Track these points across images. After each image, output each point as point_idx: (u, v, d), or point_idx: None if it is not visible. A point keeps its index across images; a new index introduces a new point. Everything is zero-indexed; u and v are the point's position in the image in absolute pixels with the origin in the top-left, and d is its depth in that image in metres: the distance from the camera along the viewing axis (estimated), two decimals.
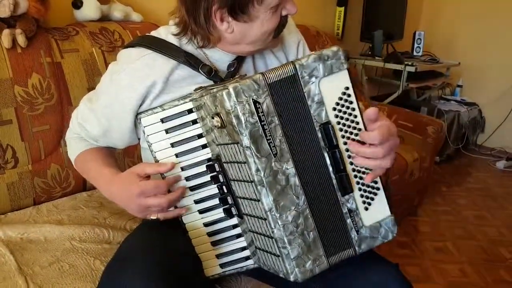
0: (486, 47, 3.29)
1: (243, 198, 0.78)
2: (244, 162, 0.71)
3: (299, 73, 0.71)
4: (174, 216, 0.83)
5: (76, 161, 0.95)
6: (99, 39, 1.40)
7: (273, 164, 0.70)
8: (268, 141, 0.69)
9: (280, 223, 0.71)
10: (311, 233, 0.74)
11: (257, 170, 0.70)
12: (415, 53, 3.01)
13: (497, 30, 3.21)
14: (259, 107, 0.68)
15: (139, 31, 1.49)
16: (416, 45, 3.00)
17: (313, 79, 0.71)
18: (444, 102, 3.26)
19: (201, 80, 0.84)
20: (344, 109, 0.74)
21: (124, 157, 1.39)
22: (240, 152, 0.71)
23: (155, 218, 0.81)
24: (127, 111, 0.84)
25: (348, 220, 0.77)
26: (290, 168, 0.71)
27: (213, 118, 0.73)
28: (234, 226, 0.84)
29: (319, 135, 0.73)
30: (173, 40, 0.85)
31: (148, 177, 0.80)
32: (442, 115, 2.97)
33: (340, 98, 0.73)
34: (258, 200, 0.72)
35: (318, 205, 0.75)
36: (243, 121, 0.67)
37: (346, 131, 0.75)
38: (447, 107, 3.12)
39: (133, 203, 0.78)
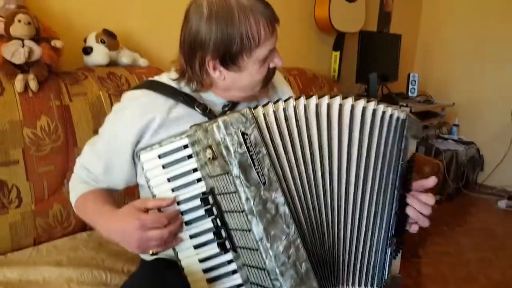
0: (480, 87, 3.37)
1: (236, 229, 0.79)
2: (235, 192, 0.74)
3: (407, 121, 0.86)
4: (172, 246, 0.84)
5: (77, 203, 0.97)
6: (106, 83, 1.46)
7: (262, 193, 0.73)
8: (257, 170, 0.73)
9: (271, 253, 0.73)
10: (303, 264, 0.75)
11: (247, 199, 0.73)
12: (410, 94, 3.09)
13: (490, 70, 3.31)
14: (247, 138, 0.73)
15: (145, 76, 1.56)
16: (410, 86, 3.09)
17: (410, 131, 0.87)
18: (442, 141, 3.30)
19: (198, 118, 0.89)
20: (409, 166, 0.87)
21: (125, 196, 1.41)
22: (230, 182, 0.74)
23: (155, 252, 0.81)
24: (127, 145, 0.89)
25: (387, 262, 0.85)
26: (279, 197, 0.74)
27: (205, 151, 0.77)
28: (229, 262, 0.84)
29: (398, 173, 0.85)
30: (172, 83, 0.93)
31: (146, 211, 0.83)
32: (440, 154, 3.00)
33: (411, 158, 0.88)
34: (249, 230, 0.74)
35: (320, 232, 0.79)
36: (232, 152, 0.72)
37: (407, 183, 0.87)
38: (445, 146, 3.16)
39: (133, 237, 0.79)
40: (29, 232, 1.28)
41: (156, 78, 0.97)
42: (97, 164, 0.94)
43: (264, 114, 0.76)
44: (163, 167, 0.84)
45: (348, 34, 2.76)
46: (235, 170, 0.72)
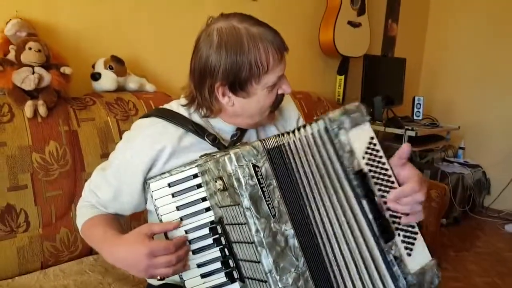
0: (485, 110, 3.38)
1: (244, 260, 0.79)
2: (245, 223, 0.74)
3: (328, 127, 0.79)
4: (179, 272, 0.84)
5: (83, 227, 0.97)
6: (114, 109, 1.49)
7: (272, 225, 0.73)
8: (267, 203, 0.73)
9: (280, 285, 0.72)
10: None
11: (257, 230, 0.73)
12: (415, 117, 3.10)
13: (495, 93, 3.33)
14: (258, 171, 0.74)
15: (152, 101, 1.59)
16: (416, 109, 3.10)
17: (343, 130, 0.79)
18: (448, 164, 3.29)
19: (207, 147, 0.90)
20: (372, 156, 0.81)
21: (131, 221, 1.42)
22: (241, 214, 0.75)
23: (162, 278, 0.82)
24: (138, 174, 0.90)
25: (395, 269, 0.79)
26: (288, 229, 0.74)
27: (216, 181, 0.78)
28: None
29: (355, 182, 0.79)
30: (183, 111, 0.95)
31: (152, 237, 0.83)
32: (446, 177, 2.99)
33: (367, 147, 0.81)
34: (259, 262, 0.74)
35: (317, 268, 0.76)
36: (243, 184, 0.72)
37: (377, 178, 0.81)
38: (451, 169, 3.15)
39: (140, 263, 0.79)
40: (36, 256, 1.29)
41: (166, 106, 0.99)
42: (106, 190, 0.95)
43: (275, 148, 0.78)
44: (173, 195, 0.85)
45: (352, 58, 2.80)
46: (246, 202, 0.73)
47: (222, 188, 0.76)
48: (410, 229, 0.82)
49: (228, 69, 0.84)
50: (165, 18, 1.91)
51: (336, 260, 0.79)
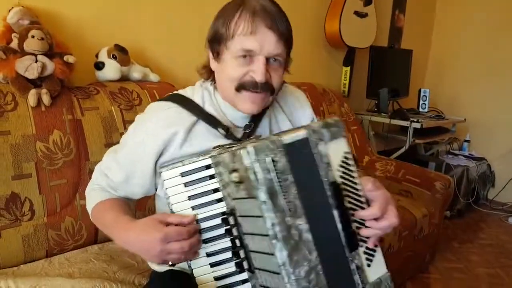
0: (491, 103, 3.36)
1: (256, 252, 0.80)
2: (260, 216, 0.74)
3: (310, 137, 0.79)
4: (190, 259, 0.85)
5: (93, 211, 0.97)
6: (118, 98, 1.49)
7: (287, 219, 0.74)
8: (284, 197, 0.74)
9: (293, 278, 0.73)
10: None
11: (272, 224, 0.73)
12: (420, 110, 3.08)
13: (501, 86, 3.30)
14: (275, 165, 0.74)
15: (156, 91, 1.58)
16: (421, 102, 3.08)
17: (322, 142, 0.80)
18: (452, 156, 3.28)
19: (219, 137, 0.91)
20: (345, 170, 0.82)
21: (136, 211, 1.43)
22: (255, 207, 0.74)
23: (173, 263, 0.83)
24: (150, 157, 0.90)
25: (356, 277, 0.80)
26: (302, 223, 0.75)
27: (231, 173, 0.78)
28: (244, 281, 0.84)
29: (328, 193, 0.79)
30: (197, 99, 0.96)
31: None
32: (450, 170, 2.98)
33: (342, 161, 0.82)
34: (272, 254, 0.74)
35: (328, 261, 0.77)
36: (260, 178, 0.72)
37: (348, 190, 0.82)
38: (456, 161, 3.14)
39: (154, 248, 0.79)
40: (41, 244, 1.29)
41: (181, 91, 0.99)
42: (118, 172, 0.95)
43: (292, 143, 0.77)
44: (185, 185, 0.85)
45: (358, 50, 2.77)
46: (263, 196, 0.73)
47: (237, 180, 0.77)
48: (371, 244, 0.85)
49: (211, 33, 0.89)
50: (169, 7, 1.89)
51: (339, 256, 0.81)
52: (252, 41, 0.84)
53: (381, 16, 2.94)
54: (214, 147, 0.86)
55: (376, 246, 0.85)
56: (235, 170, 0.76)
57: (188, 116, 0.92)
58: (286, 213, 0.73)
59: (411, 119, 2.67)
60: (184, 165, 0.86)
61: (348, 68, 2.76)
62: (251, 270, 0.82)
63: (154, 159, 0.91)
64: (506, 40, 3.26)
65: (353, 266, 0.80)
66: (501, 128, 3.33)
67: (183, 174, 0.85)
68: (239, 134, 0.94)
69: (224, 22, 0.87)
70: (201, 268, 0.86)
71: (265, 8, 0.86)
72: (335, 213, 0.79)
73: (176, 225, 0.83)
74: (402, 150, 2.77)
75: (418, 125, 2.63)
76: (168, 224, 0.82)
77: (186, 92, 0.98)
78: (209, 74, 0.96)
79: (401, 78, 3.09)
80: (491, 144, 3.38)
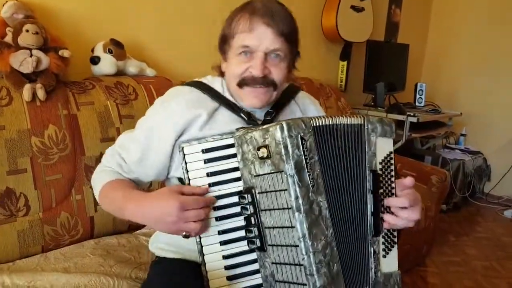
0: (487, 97, 3.37)
1: (273, 227, 0.83)
2: (285, 190, 0.79)
3: (366, 125, 0.87)
4: (203, 232, 0.86)
5: (102, 190, 0.96)
6: (114, 93, 1.48)
7: (310, 194, 0.79)
8: (308, 174, 0.79)
9: (311, 250, 0.78)
10: (335, 265, 0.80)
11: (297, 197, 0.78)
12: (417, 104, 3.08)
13: (497, 80, 3.31)
14: (304, 143, 0.79)
15: (152, 85, 1.57)
16: (418, 96, 3.08)
17: (373, 134, 0.88)
18: (449, 150, 3.30)
19: (240, 123, 0.95)
20: (386, 166, 0.90)
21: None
22: (282, 180, 0.80)
23: (187, 235, 0.83)
24: (170, 134, 0.93)
25: (371, 260, 0.87)
26: (323, 201, 0.81)
27: (258, 150, 0.82)
28: (254, 261, 0.87)
29: (368, 178, 0.87)
30: (217, 87, 1.00)
31: None
32: (447, 164, 2.99)
33: (385, 157, 0.90)
34: (292, 227, 0.79)
35: (344, 239, 0.83)
36: (290, 152, 0.78)
37: (384, 184, 0.89)
38: (452, 155, 3.15)
39: (171, 215, 0.80)
40: (37, 240, 1.29)
41: (202, 79, 1.03)
42: (134, 149, 0.96)
43: (321, 126, 0.83)
44: (205, 161, 0.88)
45: (355, 44, 2.77)
46: (291, 169, 0.78)
47: (265, 155, 0.81)
48: (391, 236, 0.91)
49: (220, 35, 0.97)
50: (165, 2, 1.88)
51: (353, 236, 0.85)
52: (250, 37, 0.90)
53: (378, 10, 2.94)
54: (237, 128, 0.90)
55: (394, 242, 0.90)
56: (264, 146, 0.81)
57: (210, 102, 0.97)
58: (310, 189, 0.79)
59: (408, 113, 2.68)
60: (207, 141, 0.89)
61: (345, 63, 2.76)
62: (263, 248, 0.85)
63: (175, 137, 0.93)
64: (502, 34, 3.26)
65: (371, 249, 0.86)
66: (497, 122, 3.34)
67: (204, 151, 0.88)
68: (259, 121, 0.99)
69: (228, 23, 0.94)
70: (211, 246, 0.88)
71: (266, 7, 0.91)
72: (369, 197, 0.86)
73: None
74: (399, 144, 2.77)
75: (414, 119, 2.64)
76: (183, 194, 0.84)
77: (207, 79, 1.03)
78: (221, 73, 1.02)
79: (397, 73, 3.09)
80: (487, 138, 3.40)
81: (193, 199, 0.82)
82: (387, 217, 0.88)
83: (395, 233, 0.91)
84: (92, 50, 1.60)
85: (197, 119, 0.93)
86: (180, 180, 0.96)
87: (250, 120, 0.96)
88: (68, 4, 1.59)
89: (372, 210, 0.87)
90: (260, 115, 1.00)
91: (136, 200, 0.87)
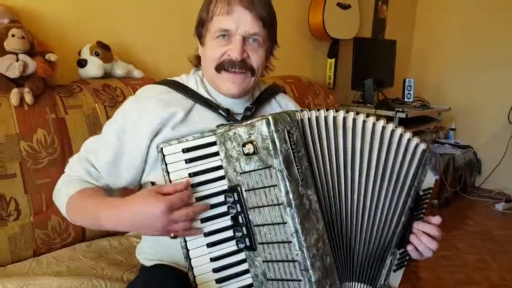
0: (476, 90, 3.40)
1: (263, 225, 0.82)
2: (274, 186, 0.78)
3: (428, 152, 0.93)
4: (194, 234, 0.83)
5: (70, 199, 0.88)
6: (101, 95, 1.48)
7: (300, 188, 0.78)
8: (297, 167, 0.78)
9: (304, 245, 0.77)
10: (328, 257, 0.80)
11: (287, 192, 0.77)
12: (406, 99, 3.11)
13: (485, 74, 3.34)
14: (291, 137, 0.79)
15: (139, 87, 1.54)
16: (406, 91, 3.11)
17: (430, 164, 0.93)
18: (439, 145, 3.33)
19: (218, 120, 0.92)
20: (424, 197, 0.95)
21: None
22: (270, 176, 0.78)
23: (176, 235, 0.80)
24: (145, 134, 0.89)
25: (385, 269, 0.91)
26: (312, 194, 0.80)
27: (244, 146, 0.80)
28: (241, 262, 0.85)
29: (412, 194, 0.91)
30: (192, 85, 0.98)
31: None
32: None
33: (427, 189, 0.95)
34: (284, 223, 0.78)
35: (339, 231, 0.84)
36: (278, 147, 0.77)
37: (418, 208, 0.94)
38: (442, 150, 3.18)
39: (159, 220, 0.76)
40: (28, 244, 1.29)
41: (176, 78, 1.01)
42: (104, 154, 0.91)
43: (307, 119, 0.82)
44: (186, 161, 0.84)
45: (342, 41, 2.79)
46: (279, 164, 0.77)
47: (252, 151, 0.79)
48: (406, 256, 0.94)
49: (197, 19, 0.95)
50: (151, 3, 1.88)
51: (348, 230, 0.86)
52: (229, 20, 0.88)
53: (364, 7, 2.96)
54: (218, 125, 0.87)
55: (405, 264, 0.93)
56: (250, 142, 0.79)
57: (185, 100, 0.94)
58: (299, 183, 0.78)
59: (397, 109, 2.70)
60: (187, 140, 0.86)
61: (333, 60, 2.78)
62: (253, 247, 0.83)
63: (149, 138, 0.89)
64: (489, 27, 3.30)
65: (388, 259, 0.90)
66: (486, 116, 3.37)
67: (185, 150, 0.85)
68: (238, 117, 0.97)
69: (206, 6, 0.92)
70: (197, 250, 0.84)
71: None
72: (406, 211, 0.90)
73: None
74: None
75: (403, 115, 2.66)
76: (164, 195, 0.79)
77: (181, 79, 1.01)
78: (198, 61, 1.00)
79: (385, 69, 3.12)
80: (476, 132, 3.43)
81: (178, 197, 0.78)
82: (412, 237, 0.91)
83: (407, 257, 0.94)
84: (79, 53, 1.60)
85: (172, 118, 0.89)
86: (153, 184, 0.91)
87: (230, 117, 0.94)
88: (54, 8, 1.58)
89: (405, 223, 0.89)
90: (238, 110, 0.98)
91: (114, 206, 0.82)
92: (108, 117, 1.44)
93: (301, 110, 0.84)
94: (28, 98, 1.30)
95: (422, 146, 0.92)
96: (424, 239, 0.90)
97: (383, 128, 0.89)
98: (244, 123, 0.81)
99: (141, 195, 0.80)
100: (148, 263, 1.01)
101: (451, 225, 2.84)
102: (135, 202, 0.80)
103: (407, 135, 0.91)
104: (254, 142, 0.79)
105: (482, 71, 3.36)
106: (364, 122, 0.88)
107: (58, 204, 0.94)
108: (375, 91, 2.93)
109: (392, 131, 0.89)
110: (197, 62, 1.01)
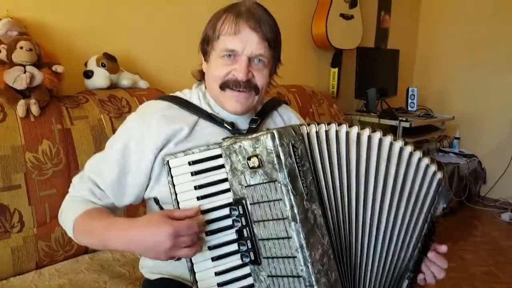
0: (480, 99, 3.39)
1: (268, 239, 0.81)
2: (279, 200, 0.77)
3: (441, 182, 0.91)
4: (195, 253, 0.82)
5: (77, 221, 0.87)
6: (107, 106, 1.48)
7: (304, 203, 0.77)
8: (302, 182, 0.78)
9: (309, 260, 0.76)
10: (333, 273, 0.79)
11: (292, 206, 0.76)
12: (409, 108, 3.10)
13: (489, 82, 3.33)
14: (296, 151, 0.78)
15: (145, 98, 1.58)
16: (410, 100, 3.10)
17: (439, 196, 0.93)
18: (443, 154, 3.30)
19: (223, 134, 0.91)
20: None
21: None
22: (275, 190, 0.78)
23: (178, 258, 0.80)
24: (150, 151, 0.88)
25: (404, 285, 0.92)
26: (317, 208, 0.79)
27: (249, 159, 0.80)
28: (246, 276, 0.84)
29: (429, 221, 0.91)
30: (195, 100, 0.97)
31: None
32: (441, 168, 2.99)
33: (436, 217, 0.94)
34: (289, 238, 0.77)
35: (344, 247, 0.82)
36: (283, 161, 0.76)
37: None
38: (446, 159, 3.16)
39: (164, 243, 0.76)
40: (31, 256, 1.28)
41: (179, 93, 1.00)
42: (109, 173, 0.90)
43: (311, 133, 0.82)
44: (192, 174, 0.84)
45: (346, 51, 2.80)
46: (284, 179, 0.76)
47: (257, 165, 0.79)
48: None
49: (203, 35, 0.95)
50: (157, 15, 1.90)
51: (355, 246, 0.84)
52: (236, 41, 0.88)
53: (367, 17, 2.97)
54: (224, 138, 0.87)
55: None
56: (255, 156, 0.79)
57: (189, 116, 0.94)
58: (304, 197, 0.77)
59: (400, 118, 2.69)
60: (193, 153, 0.85)
61: (336, 69, 2.79)
62: (257, 261, 0.82)
63: (155, 154, 0.88)
64: (491, 36, 3.29)
65: (404, 284, 0.91)
66: (490, 124, 3.36)
67: (191, 163, 0.84)
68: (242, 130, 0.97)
69: (212, 24, 0.92)
70: (202, 263, 0.83)
71: (250, 11, 0.89)
72: (421, 239, 0.90)
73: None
74: None
75: (407, 124, 2.65)
76: (174, 219, 0.79)
77: (184, 94, 1.00)
78: (201, 76, 1.00)
79: (389, 78, 3.12)
80: (481, 141, 3.40)
81: (187, 225, 0.77)
82: (423, 267, 0.92)
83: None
84: (85, 64, 1.61)
85: (177, 134, 0.89)
86: (155, 200, 0.91)
87: (235, 130, 0.94)
88: (61, 20, 1.60)
89: (421, 249, 0.90)
90: (241, 125, 0.98)
91: (121, 228, 0.82)
92: (113, 128, 1.45)
93: (307, 123, 0.83)
94: (35, 109, 1.31)
95: (439, 175, 0.91)
96: (434, 269, 0.92)
97: (401, 149, 0.87)
98: (249, 136, 0.81)
99: (150, 218, 0.80)
100: (151, 277, 1.00)
101: (457, 235, 2.80)
102: (143, 224, 0.79)
103: (426, 160, 0.90)
104: (259, 156, 0.79)
105: (485, 79, 3.35)
106: (380, 140, 0.87)
107: (64, 226, 0.93)
108: (379, 100, 2.93)
109: (411, 154, 0.88)
110: (200, 76, 1.00)
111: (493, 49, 3.29)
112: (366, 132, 0.87)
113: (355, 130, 0.86)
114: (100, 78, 1.57)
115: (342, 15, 2.65)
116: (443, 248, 0.93)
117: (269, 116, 1.05)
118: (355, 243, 0.84)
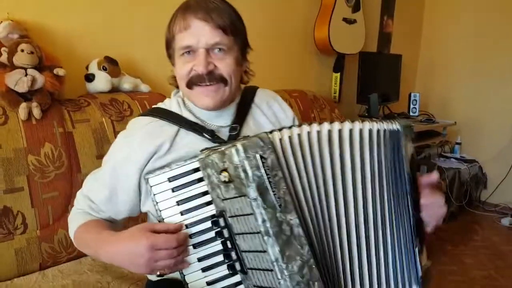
0: (481, 105, 3.40)
1: (249, 251, 0.80)
2: (251, 214, 0.75)
3: (404, 131, 0.86)
4: (179, 269, 0.84)
5: (76, 233, 0.94)
6: (109, 110, 1.49)
7: (278, 214, 0.75)
8: (273, 193, 0.75)
9: (286, 273, 0.75)
10: (316, 283, 0.77)
11: (263, 220, 0.74)
12: (411, 114, 3.11)
13: (491, 88, 3.34)
14: (264, 162, 0.75)
15: (147, 101, 1.59)
16: (412, 106, 3.11)
17: (409, 139, 0.87)
18: (444, 159, 3.31)
19: (205, 142, 0.91)
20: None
21: (129, 221, 1.43)
22: (246, 205, 0.76)
23: (162, 273, 0.80)
24: (135, 170, 0.89)
25: (418, 262, 0.87)
26: (294, 218, 0.76)
27: (220, 173, 0.78)
28: (237, 284, 0.84)
29: (407, 181, 0.85)
30: (175, 109, 0.97)
31: None
32: (442, 173, 3.00)
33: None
34: (265, 251, 0.76)
35: (328, 253, 0.80)
36: (250, 175, 0.74)
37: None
38: (447, 164, 3.16)
39: (142, 256, 0.77)
40: (34, 257, 1.29)
41: (160, 104, 1.01)
42: (101, 190, 0.93)
43: (280, 140, 0.78)
44: (172, 190, 0.85)
45: (348, 55, 2.80)
46: (253, 193, 0.74)
47: (227, 180, 0.77)
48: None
49: (165, 40, 0.95)
50: (158, 18, 1.90)
51: (340, 249, 0.82)
52: (188, 36, 0.88)
53: (370, 22, 2.98)
54: (202, 150, 0.86)
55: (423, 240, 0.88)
56: (225, 170, 0.77)
57: (169, 127, 0.93)
58: (277, 209, 0.75)
59: None
60: (171, 169, 0.85)
61: (338, 74, 2.79)
62: (243, 271, 0.82)
63: (139, 172, 0.90)
64: (494, 42, 3.30)
65: (416, 250, 0.86)
66: (492, 129, 3.36)
67: (170, 179, 0.85)
68: (224, 135, 0.95)
69: (168, 26, 0.93)
70: (193, 274, 0.85)
71: (198, 2, 0.88)
72: (410, 199, 0.85)
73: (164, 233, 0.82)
74: None
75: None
76: (155, 233, 0.81)
77: (165, 104, 1.00)
78: (176, 82, 0.98)
79: (391, 83, 3.12)
80: (482, 146, 3.41)
81: (165, 239, 0.78)
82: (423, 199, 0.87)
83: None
84: (87, 68, 1.62)
85: (159, 150, 0.90)
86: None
87: (215, 139, 0.92)
88: (63, 23, 1.61)
89: (413, 213, 0.85)
90: (226, 122, 0.97)
91: (107, 242, 0.85)
92: (115, 131, 1.46)
93: (271, 131, 0.80)
94: (36, 112, 1.32)
95: (392, 127, 0.85)
96: (433, 211, 0.88)
97: (370, 131, 0.83)
98: (219, 149, 0.79)
99: (130, 231, 0.81)
100: (154, 278, 1.02)
101: (458, 240, 2.81)
102: (124, 238, 0.81)
103: (384, 125, 0.85)
104: (228, 170, 0.77)
105: (487, 85, 3.36)
106: (350, 130, 0.83)
107: (71, 237, 0.97)
108: (381, 105, 2.93)
109: (361, 130, 0.83)
110: (176, 83, 0.99)
111: (496, 56, 3.30)
112: (336, 126, 0.82)
113: (325, 127, 0.82)
114: (102, 81, 1.58)
115: (345, 20, 2.66)
116: (433, 176, 0.88)
117: (249, 113, 1.02)
118: (341, 248, 0.82)
